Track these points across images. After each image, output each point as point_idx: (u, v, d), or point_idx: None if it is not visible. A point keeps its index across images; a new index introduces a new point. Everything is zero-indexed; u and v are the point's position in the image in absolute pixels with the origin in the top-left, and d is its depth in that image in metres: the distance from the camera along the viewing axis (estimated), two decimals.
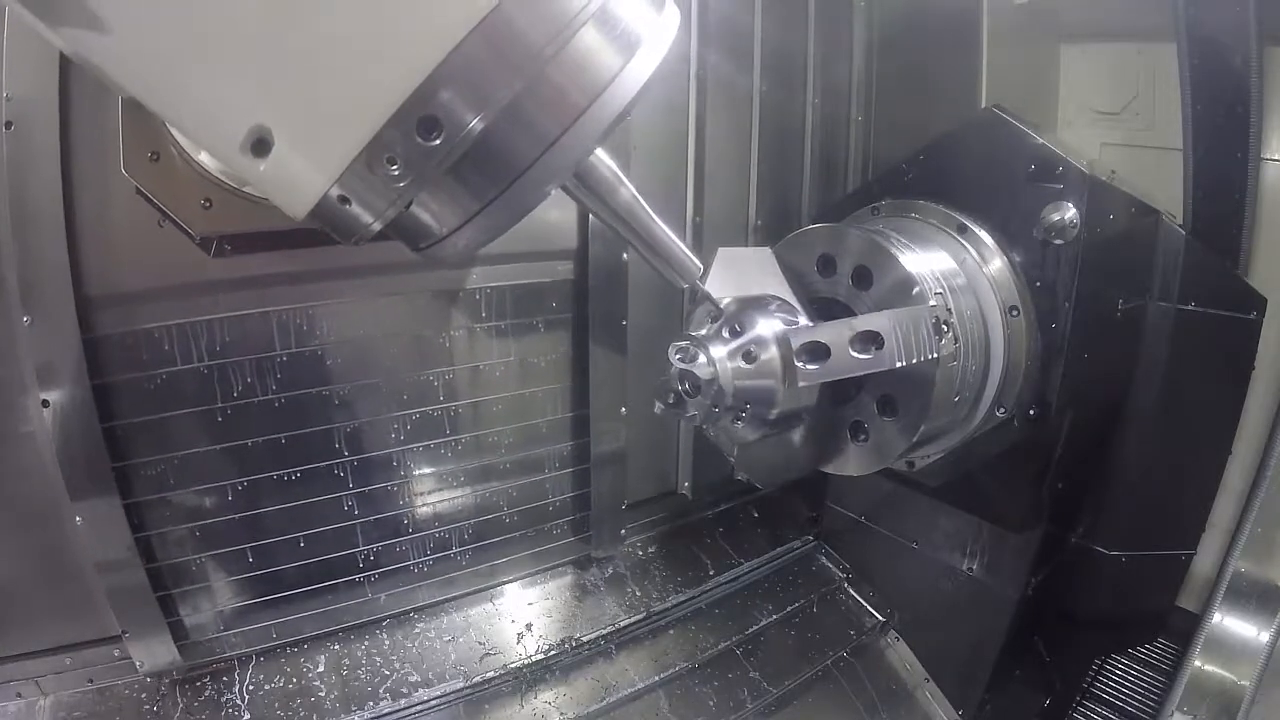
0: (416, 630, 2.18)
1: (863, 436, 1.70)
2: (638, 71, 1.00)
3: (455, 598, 2.27)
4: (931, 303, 1.57)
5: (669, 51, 1.05)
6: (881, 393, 1.63)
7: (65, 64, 1.50)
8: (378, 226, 1.01)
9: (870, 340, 1.42)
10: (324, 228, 1.04)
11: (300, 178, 0.95)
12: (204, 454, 1.84)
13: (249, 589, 1.97)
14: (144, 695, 1.84)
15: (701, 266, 1.41)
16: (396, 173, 0.92)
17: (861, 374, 1.46)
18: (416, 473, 2.15)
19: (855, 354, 1.42)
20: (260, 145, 0.92)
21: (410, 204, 1.00)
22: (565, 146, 0.98)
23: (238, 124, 0.91)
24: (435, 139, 0.90)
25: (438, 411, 2.13)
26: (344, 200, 0.96)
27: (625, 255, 2.25)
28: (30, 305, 1.55)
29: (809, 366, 1.41)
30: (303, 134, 0.92)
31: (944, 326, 1.55)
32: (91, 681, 1.82)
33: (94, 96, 1.54)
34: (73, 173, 1.55)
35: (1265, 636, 1.84)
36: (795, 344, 1.41)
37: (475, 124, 0.91)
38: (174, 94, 0.95)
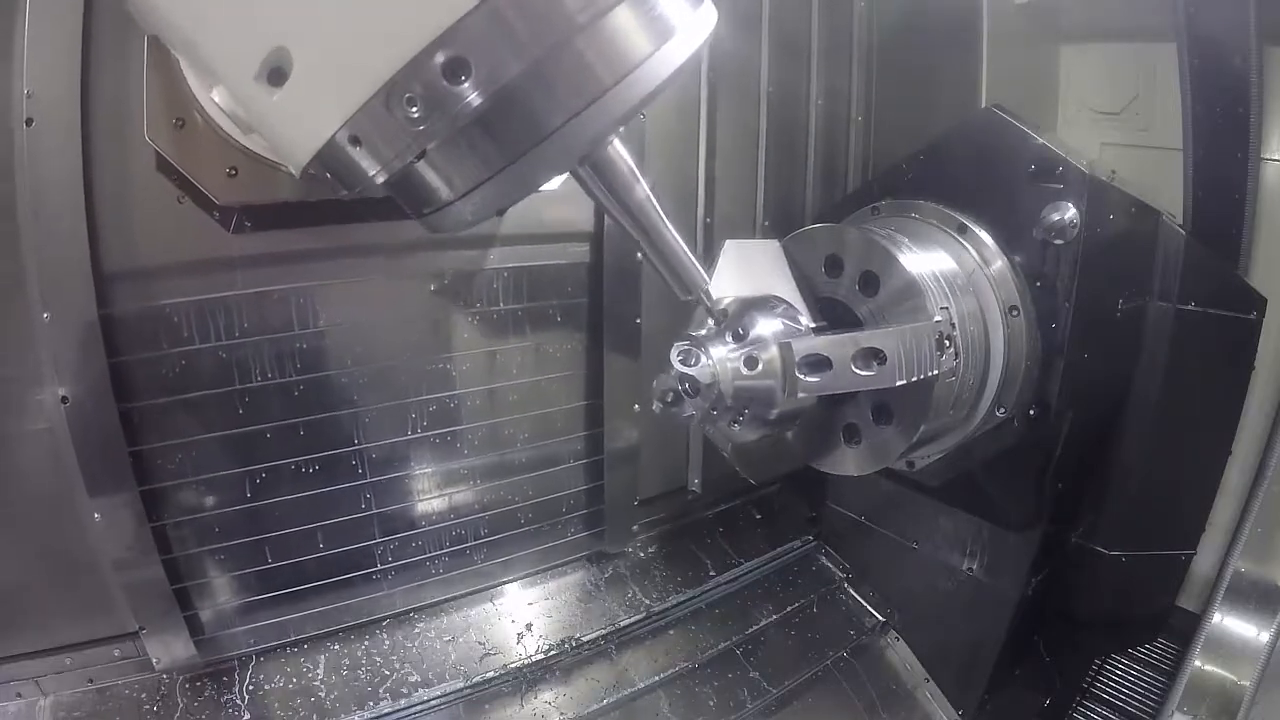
0: (417, 630, 2.18)
1: (856, 440, 1.70)
2: (666, 60, 0.98)
3: (456, 597, 2.26)
4: (937, 318, 1.56)
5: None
6: (877, 400, 1.63)
7: (86, 60, 1.49)
8: (383, 177, 0.98)
9: (873, 356, 1.42)
10: (327, 172, 1.01)
11: (313, 112, 0.92)
12: (222, 446, 1.83)
13: (266, 583, 1.96)
14: (144, 695, 1.84)
15: (708, 279, 1.39)
16: (416, 114, 0.89)
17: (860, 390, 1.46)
18: (433, 464, 2.14)
19: (857, 370, 1.41)
20: (276, 74, 0.89)
21: (423, 154, 0.97)
22: (584, 122, 0.96)
23: (258, 45, 0.88)
24: (462, 82, 0.87)
25: (454, 400, 2.12)
26: (354, 141, 0.93)
27: (639, 255, 2.25)
28: (50, 302, 1.56)
29: (809, 379, 1.41)
30: (324, 61, 0.89)
31: (946, 342, 1.55)
32: (91, 681, 1.82)
33: (115, 92, 1.54)
34: (93, 169, 1.55)
35: (1265, 636, 1.83)
36: (797, 354, 1.40)
37: (503, 74, 0.88)
38: (196, 11, 0.92)
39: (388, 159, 0.96)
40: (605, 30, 0.93)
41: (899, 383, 1.41)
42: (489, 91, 0.89)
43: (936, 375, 1.49)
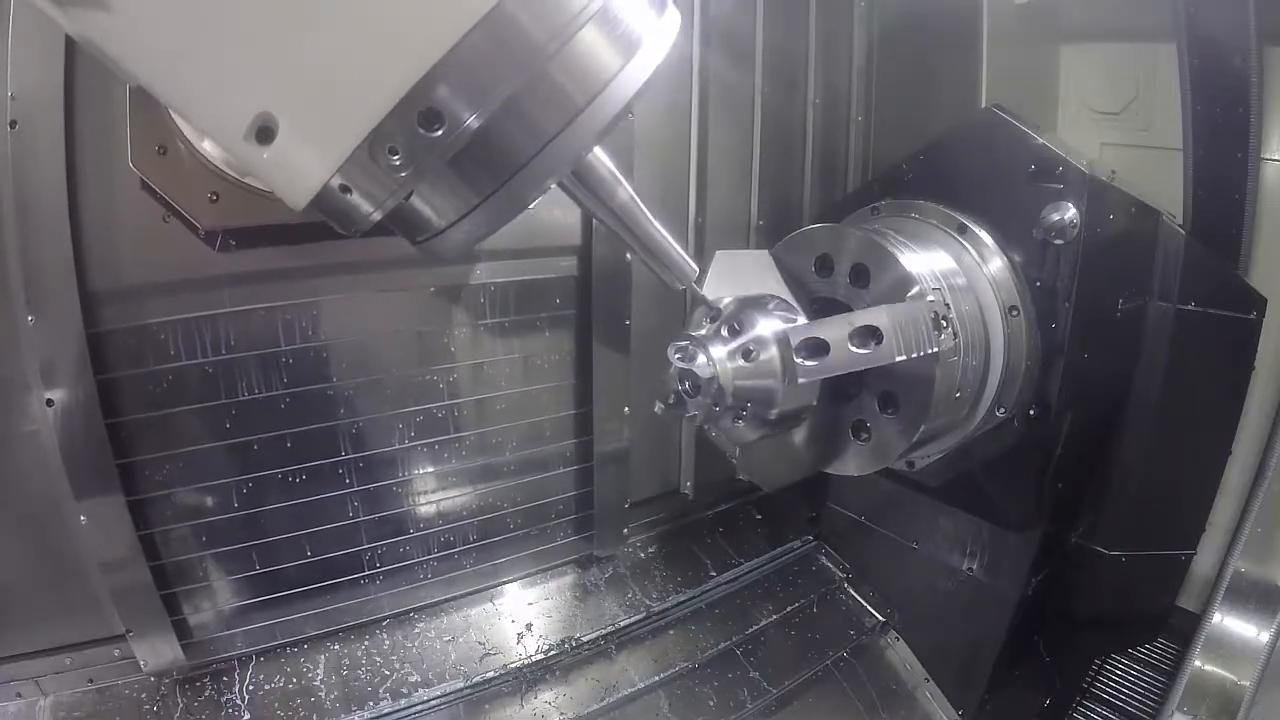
0: (417, 630, 2.18)
1: (864, 435, 1.70)
2: (637, 73, 1.01)
3: (456, 597, 2.27)
4: (930, 298, 1.57)
5: (671, 53, 1.06)
6: (882, 389, 1.63)
7: (70, 62, 1.50)
8: (377, 216, 1.03)
9: (869, 335, 1.42)
10: (325, 217, 1.05)
11: (302, 166, 0.96)
12: (209, 452, 1.84)
13: (253, 588, 1.97)
14: (144, 695, 1.84)
15: (697, 269, 1.41)
16: (398, 163, 0.94)
17: (861, 369, 1.46)
18: (420, 472, 2.15)
19: (854, 349, 1.42)
20: (264, 133, 0.93)
21: (410, 195, 1.02)
22: (563, 144, 1.00)
23: (243, 111, 0.92)
24: (436, 131, 0.92)
25: (441, 410, 2.12)
26: (345, 189, 0.98)
27: (629, 255, 2.26)
28: (35, 304, 1.55)
29: (808, 363, 1.41)
30: (307, 122, 0.94)
31: (942, 321, 1.55)
32: (92, 681, 1.82)
33: (99, 94, 1.54)
34: (77, 171, 1.55)
35: (1265, 636, 1.83)
36: (794, 341, 1.41)
37: (475, 118, 0.93)
38: (179, 79, 0.95)
39: (380, 200, 1.00)
40: (573, 54, 0.96)
41: (898, 359, 1.41)
42: (464, 134, 0.93)
43: (936, 353, 1.49)
